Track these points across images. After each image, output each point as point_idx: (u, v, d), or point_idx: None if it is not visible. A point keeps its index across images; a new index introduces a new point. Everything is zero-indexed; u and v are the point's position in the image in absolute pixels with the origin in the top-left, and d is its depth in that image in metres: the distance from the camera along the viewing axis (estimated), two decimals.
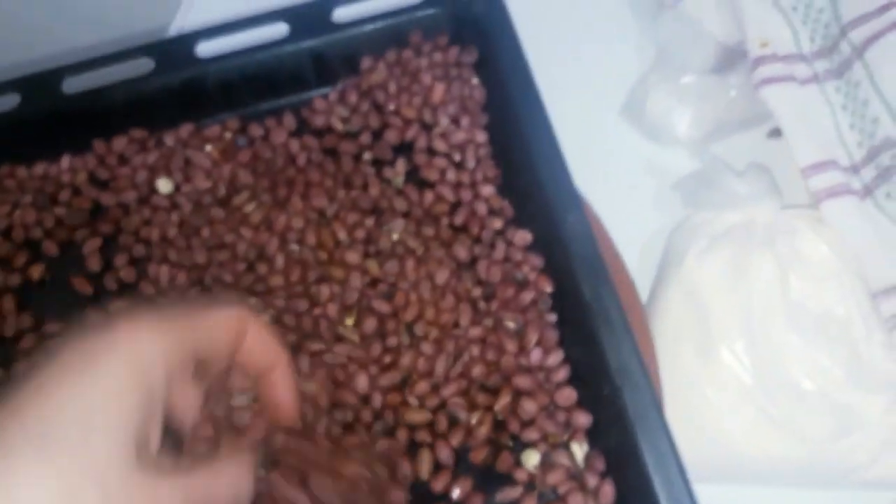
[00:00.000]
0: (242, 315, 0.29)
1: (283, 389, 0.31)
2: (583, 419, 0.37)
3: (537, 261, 0.41)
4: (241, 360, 0.30)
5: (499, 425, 0.38)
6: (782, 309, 0.41)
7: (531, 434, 0.37)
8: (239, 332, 0.29)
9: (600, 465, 0.37)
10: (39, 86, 0.47)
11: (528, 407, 0.37)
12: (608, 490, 0.36)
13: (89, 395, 0.24)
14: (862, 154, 0.43)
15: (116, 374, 0.25)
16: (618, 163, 0.50)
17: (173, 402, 0.27)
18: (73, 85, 0.47)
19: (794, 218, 0.43)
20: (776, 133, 0.50)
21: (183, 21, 0.59)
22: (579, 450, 0.37)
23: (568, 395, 0.38)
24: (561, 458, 0.37)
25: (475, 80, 0.46)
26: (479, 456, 0.38)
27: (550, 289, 0.41)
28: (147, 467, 0.25)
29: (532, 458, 0.37)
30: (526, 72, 0.43)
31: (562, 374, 0.39)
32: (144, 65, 0.47)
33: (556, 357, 0.39)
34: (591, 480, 0.36)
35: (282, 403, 0.31)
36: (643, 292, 0.45)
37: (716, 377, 0.40)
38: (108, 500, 0.24)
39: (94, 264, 0.44)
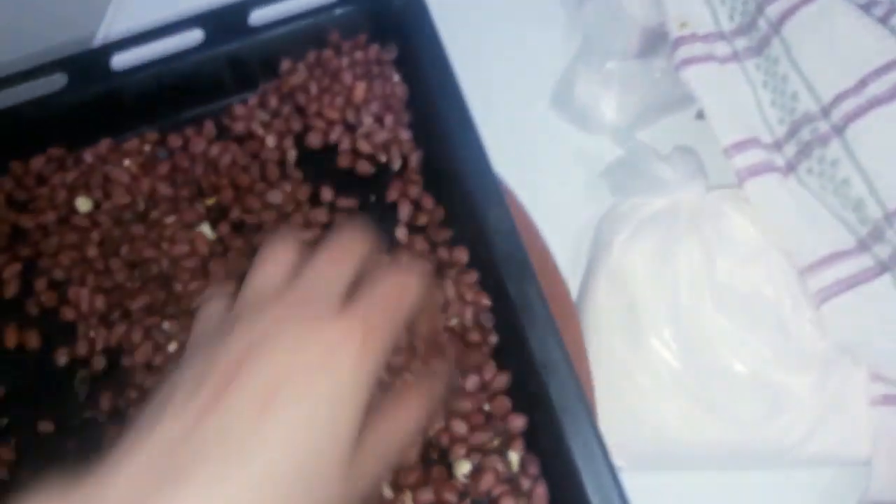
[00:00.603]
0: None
1: None
2: (518, 423, 0.37)
3: (472, 278, 0.41)
4: None
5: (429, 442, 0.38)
6: (709, 292, 0.40)
7: (462, 449, 0.37)
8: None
9: (534, 467, 0.36)
10: None
11: (459, 428, 0.37)
12: (541, 491, 0.36)
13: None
14: (783, 130, 0.43)
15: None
16: (547, 153, 0.50)
17: None
18: None
19: (719, 199, 0.43)
20: (702, 115, 0.50)
21: (106, 33, 0.58)
22: (515, 455, 0.37)
23: (502, 404, 0.38)
24: (495, 463, 0.36)
25: (396, 78, 0.46)
26: (410, 478, 0.37)
27: (489, 303, 0.40)
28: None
29: (463, 468, 0.36)
30: (445, 66, 0.43)
31: (499, 385, 0.38)
32: (58, 80, 0.46)
33: (497, 378, 0.38)
34: (525, 483, 0.36)
35: None
36: (575, 283, 0.44)
37: (647, 365, 0.40)
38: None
39: (13, 290, 0.43)
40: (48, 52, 0.50)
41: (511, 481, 0.36)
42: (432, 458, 0.37)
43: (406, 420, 0.30)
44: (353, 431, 0.27)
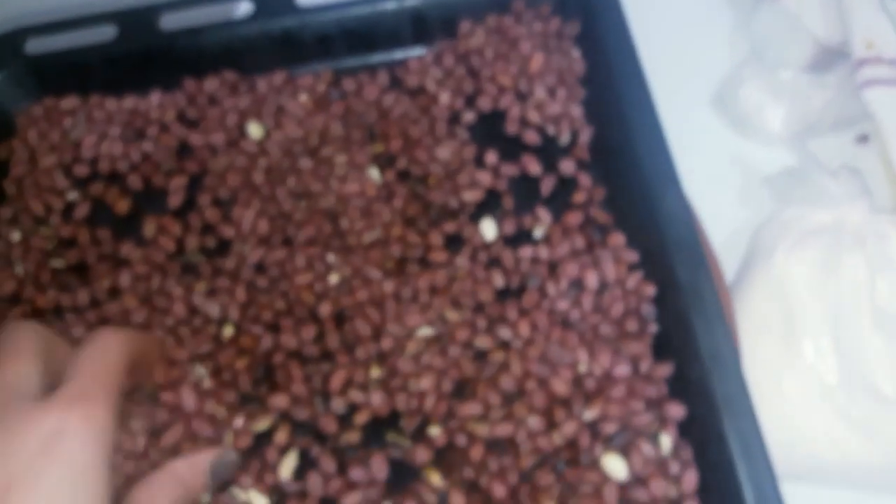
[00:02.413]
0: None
1: None
2: (676, 411, 0.37)
3: (633, 256, 0.41)
4: None
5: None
6: (869, 311, 0.40)
7: (613, 426, 0.37)
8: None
9: (686, 453, 0.36)
10: (137, 20, 0.47)
11: (613, 411, 0.37)
12: (691, 477, 0.36)
13: None
14: None
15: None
16: (704, 154, 0.50)
17: None
18: (170, 22, 0.47)
19: (885, 222, 0.43)
20: (864, 139, 0.50)
21: None
22: (667, 439, 0.37)
23: (660, 391, 0.38)
24: (646, 447, 0.36)
25: (576, 54, 0.46)
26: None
27: (653, 292, 0.40)
28: None
29: (613, 463, 0.36)
30: (630, 47, 0.43)
31: (658, 375, 0.38)
32: (244, 8, 0.47)
33: (657, 368, 0.38)
34: (675, 467, 0.36)
35: None
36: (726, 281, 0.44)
37: (797, 372, 0.40)
38: None
39: (177, 202, 0.44)
40: None
41: (661, 464, 0.36)
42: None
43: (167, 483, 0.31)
44: None
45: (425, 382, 0.38)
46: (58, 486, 0.26)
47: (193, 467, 0.34)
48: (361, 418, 0.38)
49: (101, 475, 0.27)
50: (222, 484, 0.35)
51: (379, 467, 0.36)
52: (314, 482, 0.36)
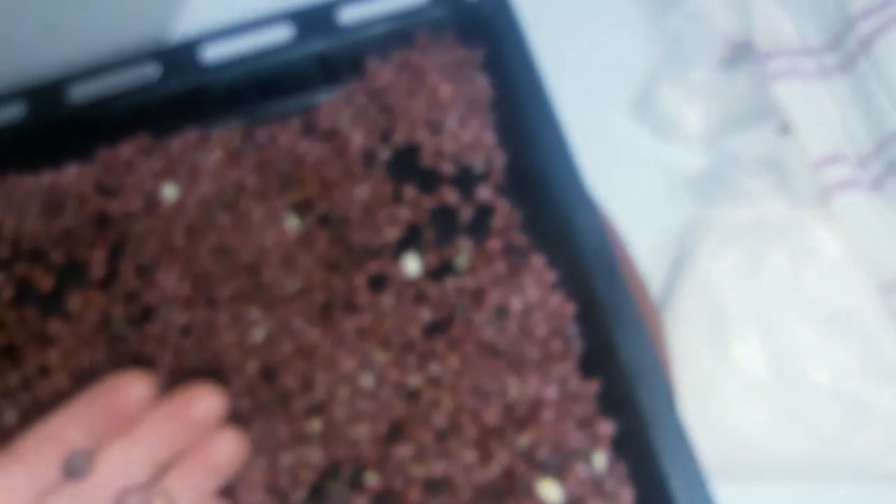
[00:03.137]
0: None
1: None
2: (606, 428, 0.37)
3: (552, 276, 0.41)
4: None
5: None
6: (796, 304, 0.41)
7: (546, 449, 0.37)
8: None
9: (621, 470, 0.36)
10: (46, 95, 0.47)
11: (544, 434, 0.37)
12: (627, 494, 0.36)
13: None
14: (870, 147, 0.43)
15: None
16: (626, 161, 0.50)
17: None
18: (79, 93, 0.47)
19: (805, 214, 0.43)
20: (785, 129, 0.50)
21: (183, 27, 0.59)
22: (601, 457, 0.37)
23: (589, 409, 0.38)
24: (581, 468, 0.36)
25: (482, 80, 0.46)
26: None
27: (573, 310, 0.40)
28: None
29: (548, 488, 0.36)
30: (533, 70, 0.43)
31: (586, 393, 0.38)
32: (150, 72, 0.47)
33: (584, 387, 0.38)
34: (610, 485, 0.36)
35: None
36: (655, 289, 0.44)
37: (731, 373, 0.40)
38: None
39: (100, 273, 0.44)
40: (123, 45, 0.51)
41: (596, 483, 0.36)
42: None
43: None
44: None
45: (361, 430, 0.38)
46: None
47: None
48: (307, 475, 0.38)
49: None
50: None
51: None
52: None
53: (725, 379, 0.40)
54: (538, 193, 0.42)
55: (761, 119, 0.50)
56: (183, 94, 0.47)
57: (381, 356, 0.40)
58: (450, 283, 0.41)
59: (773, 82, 0.45)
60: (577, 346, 0.39)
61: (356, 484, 0.37)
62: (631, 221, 0.45)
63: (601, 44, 0.54)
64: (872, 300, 0.40)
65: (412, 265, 0.43)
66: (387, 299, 0.41)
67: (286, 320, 0.41)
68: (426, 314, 0.41)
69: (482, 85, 0.46)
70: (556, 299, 0.40)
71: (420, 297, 0.42)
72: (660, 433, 0.35)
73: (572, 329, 0.39)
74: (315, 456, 0.38)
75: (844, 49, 0.44)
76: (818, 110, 0.44)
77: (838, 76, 0.45)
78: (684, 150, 0.50)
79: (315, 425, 0.38)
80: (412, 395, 0.39)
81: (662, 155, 0.50)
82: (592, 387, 0.38)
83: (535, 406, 0.38)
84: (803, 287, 0.41)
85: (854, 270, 0.41)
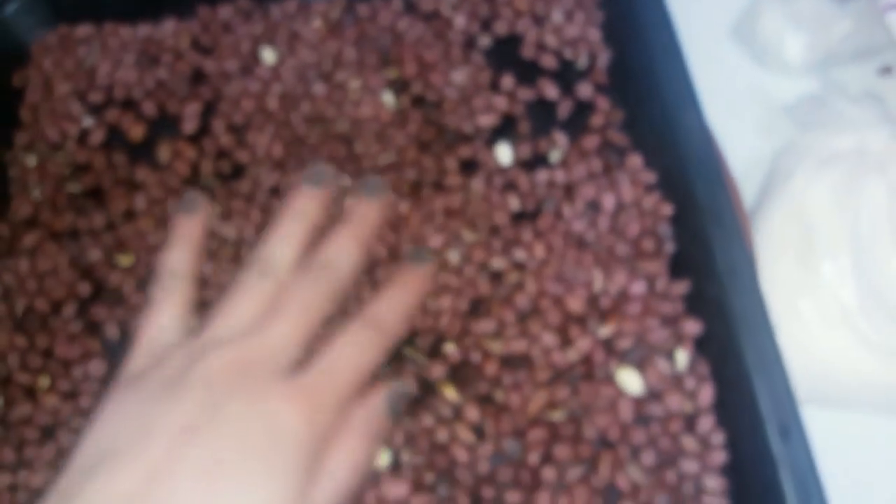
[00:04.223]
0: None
1: None
2: (692, 328, 0.37)
3: (650, 177, 0.40)
4: None
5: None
6: (889, 234, 0.40)
7: (628, 341, 0.37)
8: None
9: (703, 369, 0.36)
10: None
11: (627, 327, 0.37)
12: (707, 392, 0.36)
13: None
14: None
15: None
16: (724, 83, 0.49)
17: None
18: None
19: None
20: (887, 71, 0.49)
21: None
22: (683, 355, 0.36)
23: (676, 308, 0.37)
24: (661, 363, 0.36)
25: None
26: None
27: (670, 211, 0.39)
28: None
29: (628, 377, 0.36)
30: None
31: (675, 292, 0.38)
32: None
33: (672, 286, 0.38)
34: (690, 383, 0.36)
35: None
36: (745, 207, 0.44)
37: (816, 295, 0.40)
38: None
39: (192, 128, 0.44)
40: None
41: (676, 379, 0.36)
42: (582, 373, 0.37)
43: (356, 452, 0.28)
44: (298, 496, 0.26)
45: (442, 301, 0.38)
46: (262, 476, 0.26)
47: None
48: None
49: (303, 469, 0.26)
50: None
51: (409, 383, 0.36)
52: None
53: (811, 300, 0.39)
54: (643, 93, 0.41)
55: (865, 57, 0.49)
56: None
57: (468, 236, 0.40)
58: (541, 175, 0.41)
59: (889, 12, 0.44)
60: (670, 246, 0.39)
61: (434, 352, 0.38)
62: (726, 143, 0.45)
63: None
64: None
65: (504, 153, 0.42)
66: (476, 183, 0.41)
67: None
68: (514, 202, 0.41)
69: None
70: (652, 200, 0.39)
71: (510, 186, 0.41)
72: (748, 336, 0.34)
73: (665, 230, 0.39)
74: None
75: None
76: None
77: None
78: (783, 77, 0.49)
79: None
80: (496, 276, 0.39)
81: (760, 80, 0.49)
82: (682, 287, 0.38)
83: (621, 300, 0.38)
84: None
85: None
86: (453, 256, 0.39)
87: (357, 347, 0.29)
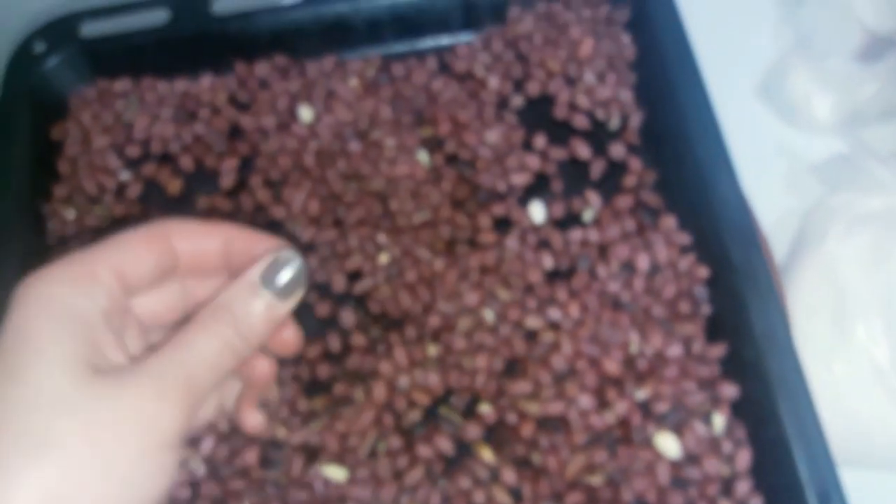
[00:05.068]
0: (157, 229, 0.31)
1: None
2: (729, 391, 0.37)
3: (685, 238, 0.41)
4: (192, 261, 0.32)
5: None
6: None
7: (665, 405, 0.37)
8: (161, 245, 0.31)
9: (741, 433, 0.36)
10: (190, 4, 0.47)
11: (665, 390, 0.37)
12: (745, 455, 0.36)
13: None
14: None
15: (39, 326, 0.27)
16: (751, 142, 0.49)
17: (136, 312, 0.31)
18: (222, 6, 0.47)
19: None
20: None
21: None
22: (720, 419, 0.37)
23: (713, 371, 0.37)
24: (699, 426, 0.36)
25: (626, 39, 0.46)
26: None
27: (706, 274, 0.40)
28: (106, 374, 0.27)
29: (666, 441, 0.36)
30: (682, 32, 0.43)
31: (712, 356, 0.38)
32: None
33: (710, 350, 0.38)
34: (728, 446, 0.36)
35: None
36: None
37: (849, 355, 0.40)
38: (74, 407, 0.26)
39: (229, 183, 0.45)
40: None
41: (714, 443, 0.36)
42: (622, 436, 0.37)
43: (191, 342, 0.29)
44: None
45: (478, 360, 0.38)
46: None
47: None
48: (423, 399, 0.38)
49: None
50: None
51: (444, 444, 0.37)
52: (382, 461, 0.37)
53: (844, 361, 0.39)
54: (675, 154, 0.42)
55: (893, 116, 0.49)
56: (324, 20, 0.47)
57: (503, 294, 0.40)
58: (575, 234, 0.42)
59: None
60: (706, 309, 0.39)
61: (470, 412, 0.38)
62: (754, 201, 0.45)
63: (734, 22, 0.54)
64: None
65: (538, 212, 0.43)
66: (510, 242, 0.42)
67: (411, 249, 0.41)
68: (548, 260, 0.41)
69: (625, 43, 0.46)
70: (687, 261, 0.40)
71: (543, 244, 0.42)
72: (786, 401, 0.35)
73: (702, 292, 0.39)
74: (432, 380, 0.38)
75: None
76: None
77: None
78: (811, 136, 0.50)
79: (433, 351, 0.39)
80: (531, 336, 0.39)
81: (788, 138, 0.50)
82: (719, 350, 0.38)
83: (657, 362, 0.38)
84: None
85: None
86: (489, 315, 0.39)
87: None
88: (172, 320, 0.33)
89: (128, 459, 0.26)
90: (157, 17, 0.48)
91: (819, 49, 0.50)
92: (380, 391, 0.38)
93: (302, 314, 0.33)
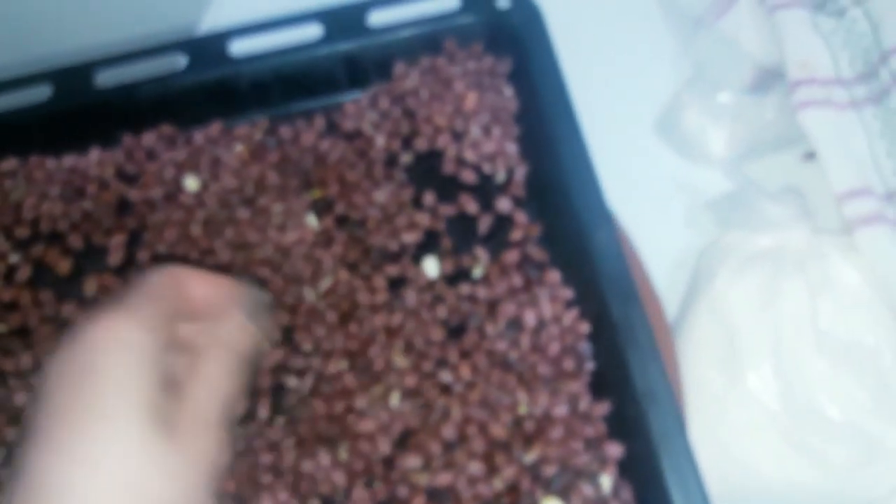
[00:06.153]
0: (178, 275, 0.33)
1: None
2: (614, 450, 0.37)
3: (568, 293, 0.41)
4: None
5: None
6: (811, 335, 0.40)
7: (553, 468, 0.37)
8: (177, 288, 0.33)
9: (627, 494, 0.36)
10: (72, 78, 0.47)
11: (551, 452, 0.37)
12: None
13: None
14: None
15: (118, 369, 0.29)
16: (649, 179, 0.50)
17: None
18: (105, 78, 0.47)
19: (826, 244, 0.42)
20: (811, 156, 0.49)
21: (212, 18, 0.59)
22: (607, 479, 0.36)
23: (598, 430, 0.37)
24: (586, 488, 0.36)
25: (509, 91, 0.46)
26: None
27: (587, 329, 0.40)
28: (166, 423, 0.29)
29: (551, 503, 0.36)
30: (560, 83, 0.43)
31: (597, 414, 0.38)
32: (177, 61, 0.47)
33: (594, 407, 0.38)
34: None
35: None
36: (670, 311, 0.44)
37: (741, 400, 0.40)
38: (147, 460, 0.28)
39: (118, 259, 0.44)
40: (153, 36, 0.51)
41: None
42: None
43: (212, 376, 0.32)
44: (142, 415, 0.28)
45: (380, 444, 0.38)
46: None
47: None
48: (325, 489, 0.38)
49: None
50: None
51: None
52: None
53: (736, 406, 0.39)
54: (558, 208, 0.42)
55: (786, 146, 0.50)
56: (208, 87, 0.47)
57: (401, 361, 0.40)
58: (465, 291, 0.41)
59: (801, 110, 0.45)
60: (590, 365, 0.39)
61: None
62: (649, 240, 0.45)
63: (628, 61, 0.54)
64: (889, 336, 0.40)
65: (432, 268, 0.42)
66: (409, 300, 0.41)
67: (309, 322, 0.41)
68: (444, 315, 0.41)
69: (508, 95, 0.46)
70: (571, 317, 0.40)
71: (438, 299, 0.42)
72: (669, 460, 0.34)
73: (585, 348, 0.39)
74: (338, 478, 0.38)
75: (878, 82, 0.44)
76: (846, 142, 0.44)
77: (869, 109, 0.44)
78: (707, 171, 0.50)
79: (343, 454, 0.38)
80: (425, 405, 0.39)
81: (684, 175, 0.50)
82: (603, 408, 0.38)
83: (544, 423, 0.38)
84: (820, 319, 0.40)
85: (873, 305, 0.40)
86: (392, 395, 0.39)
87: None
88: None
89: (196, 492, 0.29)
90: (40, 92, 0.47)
91: (712, 83, 0.50)
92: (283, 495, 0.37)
93: None
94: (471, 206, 0.44)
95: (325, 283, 0.42)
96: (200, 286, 0.34)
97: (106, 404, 0.28)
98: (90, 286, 0.44)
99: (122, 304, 0.31)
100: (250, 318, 0.34)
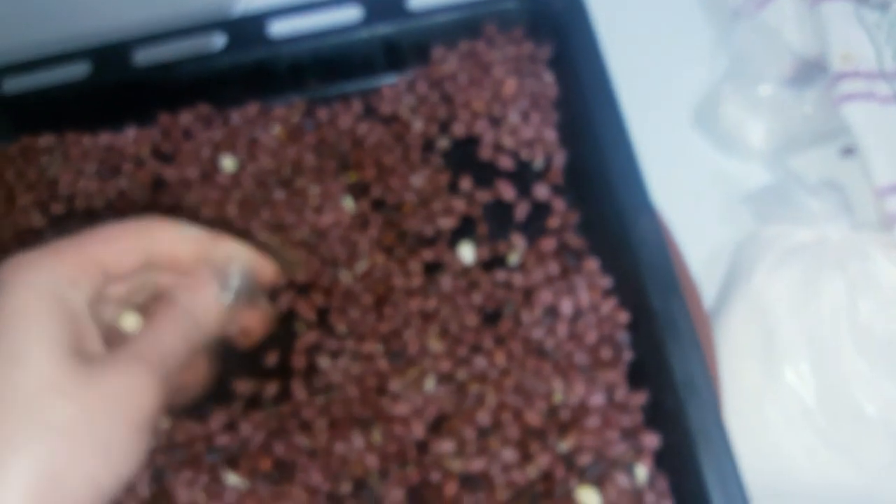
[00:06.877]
0: (142, 226, 0.33)
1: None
2: (650, 441, 0.36)
3: (606, 282, 0.40)
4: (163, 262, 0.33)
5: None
6: (850, 332, 0.40)
7: (588, 457, 0.37)
8: (143, 242, 0.33)
9: (662, 484, 0.36)
10: (111, 56, 0.47)
11: (587, 441, 0.37)
12: None
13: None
14: None
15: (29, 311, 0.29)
16: (686, 171, 0.49)
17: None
18: (143, 57, 0.47)
19: (865, 239, 0.42)
20: (849, 152, 0.49)
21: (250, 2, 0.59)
22: (643, 470, 0.36)
23: (635, 420, 0.37)
24: (621, 478, 0.36)
25: (549, 77, 0.45)
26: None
27: (626, 319, 0.39)
28: (90, 361, 0.29)
29: (587, 495, 0.36)
30: (602, 70, 0.43)
31: (634, 404, 0.37)
32: (215, 41, 0.47)
33: (631, 397, 0.37)
34: (650, 498, 0.35)
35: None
36: (707, 303, 0.44)
37: (778, 395, 0.39)
38: (67, 390, 0.28)
39: None
40: (191, 15, 0.51)
41: (636, 495, 0.36)
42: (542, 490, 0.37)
43: (157, 327, 0.31)
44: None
45: (414, 428, 0.38)
46: None
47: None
48: (357, 471, 0.38)
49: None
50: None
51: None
52: None
53: (773, 401, 0.39)
54: (597, 195, 0.41)
55: (826, 140, 0.49)
56: (246, 67, 0.47)
57: (436, 345, 0.39)
58: (500, 277, 0.41)
59: (844, 103, 0.44)
60: (628, 355, 0.39)
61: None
62: (686, 231, 0.45)
63: (666, 51, 0.53)
64: None
65: (467, 253, 0.42)
66: (444, 285, 0.41)
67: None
68: (479, 302, 0.41)
69: (548, 81, 0.45)
70: (609, 306, 0.39)
71: (473, 285, 0.41)
72: (706, 451, 0.34)
73: (623, 337, 0.39)
74: (371, 461, 0.37)
75: None
76: (888, 136, 0.43)
77: None
78: (745, 164, 0.49)
79: (376, 436, 0.38)
80: (460, 389, 0.39)
81: (722, 167, 0.49)
82: (640, 398, 0.37)
83: (580, 412, 0.37)
84: (859, 315, 0.40)
85: None
86: (426, 379, 0.39)
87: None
88: (135, 302, 0.34)
89: (116, 437, 0.28)
90: (78, 70, 0.47)
91: (751, 76, 0.49)
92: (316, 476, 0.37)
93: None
94: (508, 192, 0.44)
95: (361, 265, 0.42)
96: (171, 242, 0.33)
97: (14, 344, 0.28)
98: None
99: (47, 248, 0.31)
100: (228, 293, 0.34)
